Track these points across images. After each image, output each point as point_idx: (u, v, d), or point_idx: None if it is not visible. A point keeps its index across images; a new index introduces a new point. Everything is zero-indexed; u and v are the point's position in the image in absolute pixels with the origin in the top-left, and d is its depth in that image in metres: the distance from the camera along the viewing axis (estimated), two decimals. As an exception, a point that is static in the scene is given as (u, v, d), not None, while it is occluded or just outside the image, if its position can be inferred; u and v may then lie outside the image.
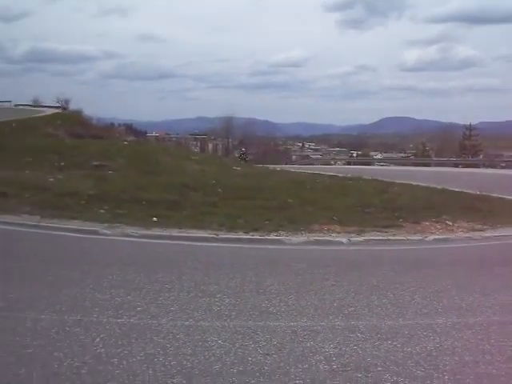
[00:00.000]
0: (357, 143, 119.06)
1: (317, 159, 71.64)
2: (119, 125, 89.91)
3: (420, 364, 3.81)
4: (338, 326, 4.60)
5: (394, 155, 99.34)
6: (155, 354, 3.83)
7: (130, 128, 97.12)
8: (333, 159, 73.82)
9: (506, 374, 3.70)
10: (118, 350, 3.84)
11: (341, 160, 67.94)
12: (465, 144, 60.32)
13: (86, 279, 5.76)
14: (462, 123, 69.64)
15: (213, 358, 3.80)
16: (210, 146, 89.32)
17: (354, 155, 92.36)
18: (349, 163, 52.35)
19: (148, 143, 29.55)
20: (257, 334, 4.29)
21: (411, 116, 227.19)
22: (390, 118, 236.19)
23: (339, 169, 35.11)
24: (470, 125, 63.83)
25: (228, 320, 4.61)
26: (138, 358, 3.75)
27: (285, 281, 6.12)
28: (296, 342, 4.17)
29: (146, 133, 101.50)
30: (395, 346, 4.16)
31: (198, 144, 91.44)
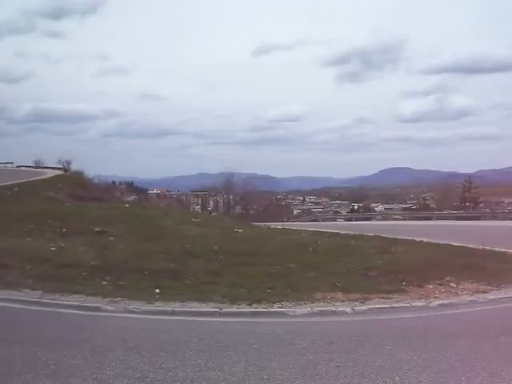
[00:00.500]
0: (357, 195, 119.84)
1: (319, 213, 71.89)
2: (120, 183, 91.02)
3: None
4: (344, 420, 4.53)
5: (396, 206, 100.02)
6: None
7: (130, 186, 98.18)
8: (335, 212, 74.20)
9: None
10: None
11: (342, 214, 68.34)
12: (465, 196, 60.75)
13: (89, 368, 5.71)
14: (461, 172, 70.50)
15: None
16: (211, 202, 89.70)
17: (356, 207, 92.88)
18: (350, 219, 52.51)
19: (148, 206, 29.67)
20: None
21: (410, 166, 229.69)
22: (390, 169, 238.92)
23: (341, 225, 35.19)
24: (470, 178, 64.38)
25: (233, 415, 4.55)
26: None
27: (289, 363, 6.06)
28: None
29: (147, 190, 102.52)
30: None
31: (199, 201, 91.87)
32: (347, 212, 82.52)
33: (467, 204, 58.89)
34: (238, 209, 78.81)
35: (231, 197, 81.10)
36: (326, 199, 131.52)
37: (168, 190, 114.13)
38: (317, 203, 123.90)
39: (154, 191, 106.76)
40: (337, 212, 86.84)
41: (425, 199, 79.34)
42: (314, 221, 49.68)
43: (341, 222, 47.52)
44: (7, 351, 6.33)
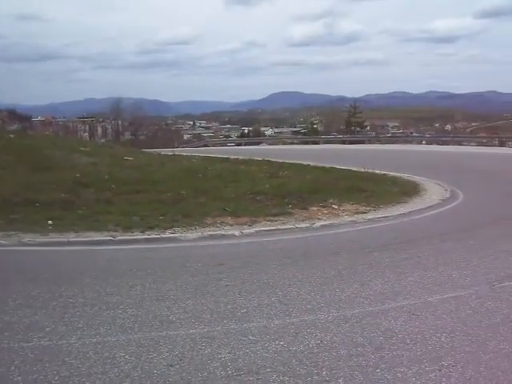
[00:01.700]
0: (248, 119, 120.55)
1: (209, 138, 72.22)
2: (1, 110, 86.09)
3: (303, 362, 4.35)
4: (232, 329, 5.07)
5: (285, 130, 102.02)
6: (69, 376, 4.12)
7: (13, 113, 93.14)
8: (225, 137, 74.67)
9: (373, 364, 4.33)
10: (34, 377, 4.10)
11: (233, 138, 68.97)
12: (350, 121, 62.80)
13: (-11, 300, 5.91)
14: (349, 96, 72.80)
15: (122, 374, 4.14)
16: (100, 129, 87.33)
17: (246, 131, 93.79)
18: (240, 144, 53.19)
19: (35, 136, 28.72)
20: (160, 345, 4.68)
21: (300, 90, 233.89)
22: (280, 93, 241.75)
23: (232, 150, 35.77)
24: (355, 102, 66.43)
25: (132, 333, 4.96)
26: (54, 382, 4.03)
27: (182, 284, 6.53)
28: (195, 350, 4.60)
29: (30, 117, 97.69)
30: (282, 345, 4.69)
31: (87, 128, 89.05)
32: (237, 136, 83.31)
33: (352, 128, 60.98)
34: (128, 135, 77.34)
35: (120, 123, 79.28)
36: (217, 124, 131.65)
37: (53, 117, 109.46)
38: (207, 128, 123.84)
39: (39, 118, 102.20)
40: (227, 136, 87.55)
41: (313, 123, 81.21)
42: (205, 146, 49.89)
43: (231, 147, 48.04)
44: None
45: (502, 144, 43.08)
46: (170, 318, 5.38)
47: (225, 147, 47.83)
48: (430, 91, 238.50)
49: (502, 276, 6.98)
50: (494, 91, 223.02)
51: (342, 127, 65.14)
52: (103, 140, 66.27)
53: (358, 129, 60.68)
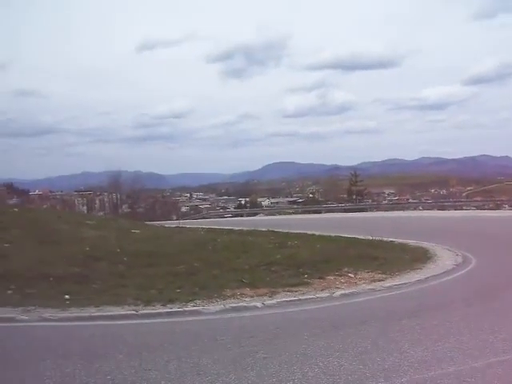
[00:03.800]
0: (244, 190, 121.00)
1: (207, 210, 72.35)
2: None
3: None
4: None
5: (282, 200, 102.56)
6: None
7: (10, 187, 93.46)
8: (223, 208, 74.83)
9: None
10: None
11: (230, 209, 69.12)
12: (351, 189, 63.36)
13: (24, 380, 5.70)
14: (344, 165, 73.71)
15: None
16: (97, 202, 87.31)
17: (243, 202, 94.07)
18: (241, 215, 53.26)
19: (40, 210, 28.73)
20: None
21: (295, 160, 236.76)
22: (275, 163, 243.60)
23: (233, 221, 35.74)
24: (355, 171, 67.12)
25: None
26: None
27: (219, 358, 6.33)
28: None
29: (28, 191, 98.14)
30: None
31: (85, 201, 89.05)
32: (235, 208, 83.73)
33: (354, 197, 61.48)
34: (125, 208, 77.25)
35: (118, 196, 79.28)
36: (213, 195, 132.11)
37: (51, 191, 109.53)
38: (204, 199, 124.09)
39: (36, 192, 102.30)
40: (225, 208, 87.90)
41: (311, 192, 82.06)
42: (204, 218, 49.91)
43: (231, 218, 48.11)
44: None
45: (497, 207, 43.71)
46: (216, 393, 5.19)
47: (223, 219, 47.91)
48: (423, 157, 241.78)
49: (539, 339, 6.85)
50: (486, 155, 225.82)
51: (341, 195, 65.60)
52: (101, 213, 66.26)
53: (358, 197, 61.16)
